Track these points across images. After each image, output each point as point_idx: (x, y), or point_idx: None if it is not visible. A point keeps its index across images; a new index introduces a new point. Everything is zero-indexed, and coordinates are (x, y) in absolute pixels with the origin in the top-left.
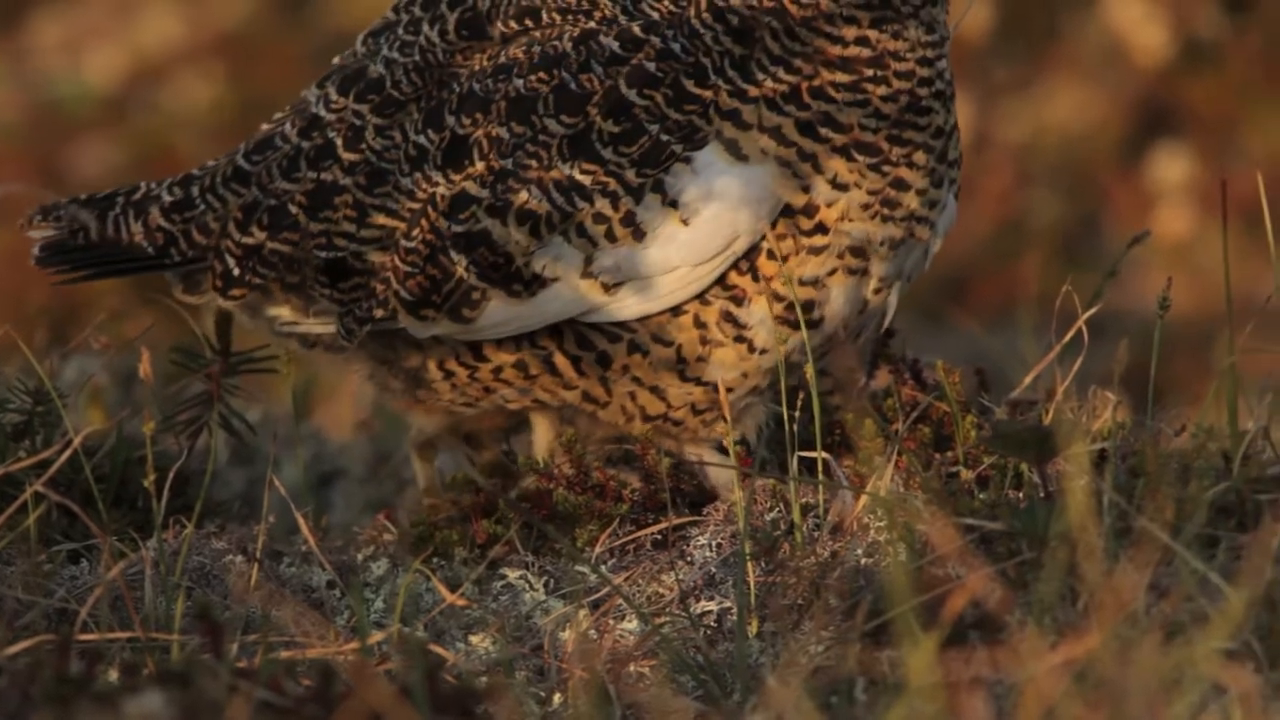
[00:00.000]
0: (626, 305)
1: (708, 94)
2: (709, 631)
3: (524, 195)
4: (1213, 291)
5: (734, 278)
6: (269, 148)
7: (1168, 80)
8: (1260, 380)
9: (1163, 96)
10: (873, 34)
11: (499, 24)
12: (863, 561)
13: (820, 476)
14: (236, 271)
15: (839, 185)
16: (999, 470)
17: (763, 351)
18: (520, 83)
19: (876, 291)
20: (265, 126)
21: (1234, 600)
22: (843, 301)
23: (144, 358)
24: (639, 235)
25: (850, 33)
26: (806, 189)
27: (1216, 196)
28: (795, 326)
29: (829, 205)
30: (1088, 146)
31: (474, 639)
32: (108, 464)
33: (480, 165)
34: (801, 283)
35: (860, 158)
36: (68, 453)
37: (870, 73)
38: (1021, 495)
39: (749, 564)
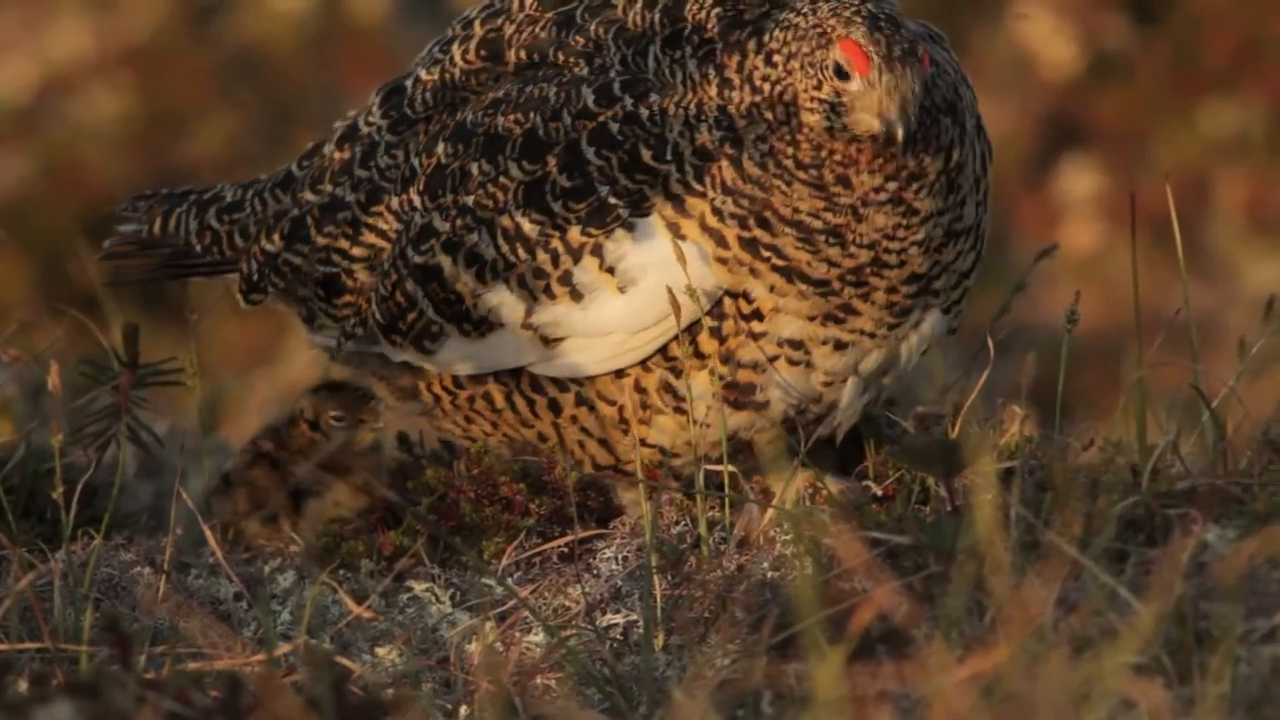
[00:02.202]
0: (567, 362)
1: (662, 168)
2: (615, 644)
3: (475, 237)
4: (1121, 304)
5: (675, 349)
6: (316, 154)
7: (1076, 93)
8: (1169, 394)
9: (1071, 110)
10: (828, 216)
11: (512, 52)
12: (769, 575)
13: (727, 490)
14: (256, 277)
15: (777, 293)
16: (906, 484)
17: (705, 425)
18: (501, 120)
19: (828, 385)
20: (337, 124)
21: (1143, 615)
22: (786, 389)
23: (53, 370)
24: (576, 296)
25: (805, 205)
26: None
27: (1125, 209)
28: (737, 406)
29: (765, 301)
30: (995, 160)
31: (380, 651)
32: (16, 475)
33: (449, 198)
34: (741, 365)
35: (802, 285)
36: None
37: (823, 238)
38: (928, 509)
39: (655, 577)
